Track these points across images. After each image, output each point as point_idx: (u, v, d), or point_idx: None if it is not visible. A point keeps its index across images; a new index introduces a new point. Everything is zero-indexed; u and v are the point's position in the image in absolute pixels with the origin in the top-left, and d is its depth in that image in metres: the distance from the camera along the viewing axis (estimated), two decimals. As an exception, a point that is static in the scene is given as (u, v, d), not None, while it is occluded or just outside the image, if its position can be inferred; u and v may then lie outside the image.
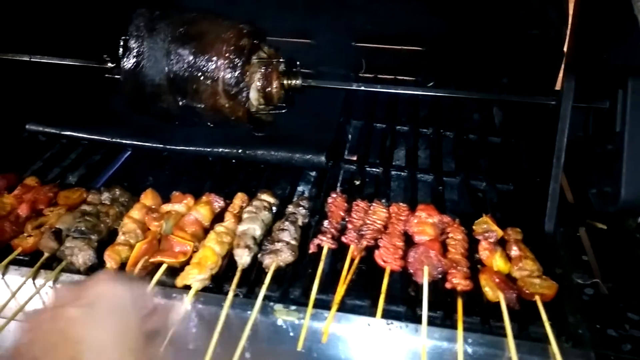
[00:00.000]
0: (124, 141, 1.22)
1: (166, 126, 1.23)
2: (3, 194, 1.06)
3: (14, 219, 0.99)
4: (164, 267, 0.87)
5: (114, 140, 1.23)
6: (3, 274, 0.89)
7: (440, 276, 0.87)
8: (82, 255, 0.90)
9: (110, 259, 0.89)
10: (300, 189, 1.18)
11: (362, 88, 1.17)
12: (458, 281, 0.84)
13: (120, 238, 0.94)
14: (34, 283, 0.88)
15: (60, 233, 0.94)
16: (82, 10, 1.47)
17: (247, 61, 1.07)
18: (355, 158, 1.24)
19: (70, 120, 1.28)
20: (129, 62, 1.08)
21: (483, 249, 0.91)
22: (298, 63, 1.15)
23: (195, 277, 0.84)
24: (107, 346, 0.49)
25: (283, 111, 1.15)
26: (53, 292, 0.55)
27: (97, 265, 0.91)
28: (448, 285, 0.85)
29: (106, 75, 1.16)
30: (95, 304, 0.52)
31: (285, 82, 1.14)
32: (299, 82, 1.15)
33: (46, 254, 0.92)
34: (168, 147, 1.20)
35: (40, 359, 0.47)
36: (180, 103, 1.09)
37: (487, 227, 0.95)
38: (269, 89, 1.12)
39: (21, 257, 0.93)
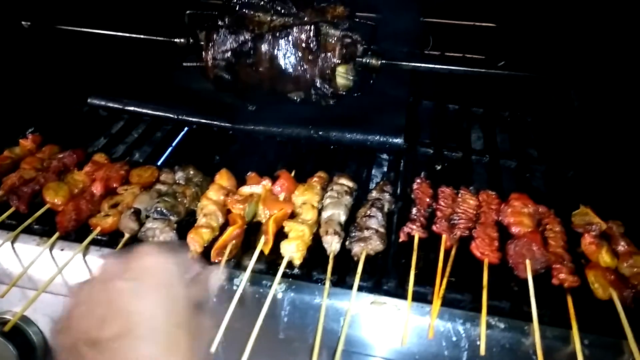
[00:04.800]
0: (190, 118, 1.18)
1: (231, 104, 1.19)
2: (74, 171, 1.03)
3: (89, 197, 0.96)
4: (256, 254, 0.83)
5: (180, 117, 1.18)
6: (84, 255, 0.87)
7: (542, 271, 0.82)
8: (164, 237, 0.87)
9: (194, 242, 0.86)
10: (373, 172, 1.12)
11: (445, 67, 1.10)
12: (565, 277, 0.79)
13: (202, 220, 0.90)
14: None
15: (139, 213, 0.91)
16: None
17: (326, 39, 1.03)
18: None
19: (133, 96, 1.24)
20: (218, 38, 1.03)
21: (587, 242, 0.85)
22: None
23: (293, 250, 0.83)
24: (155, 317, 0.49)
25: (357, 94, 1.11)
26: (101, 266, 0.54)
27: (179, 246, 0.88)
28: (555, 282, 0.79)
29: (178, 51, 1.10)
30: (143, 276, 0.52)
31: (362, 60, 1.08)
32: (376, 61, 1.09)
33: (127, 235, 0.89)
34: (237, 126, 1.15)
35: (92, 331, 0.47)
36: (265, 80, 1.04)
37: (588, 219, 0.89)
38: (346, 67, 1.07)
39: (100, 237, 0.90)
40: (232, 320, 0.73)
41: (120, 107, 1.22)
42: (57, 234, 0.89)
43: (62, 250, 0.88)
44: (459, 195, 0.96)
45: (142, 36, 1.20)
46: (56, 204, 0.94)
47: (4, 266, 0.90)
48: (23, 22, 1.23)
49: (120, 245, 0.87)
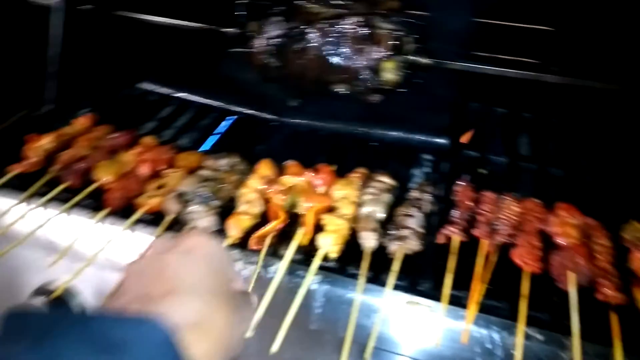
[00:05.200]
0: (237, 108, 1.20)
1: (276, 97, 1.21)
2: (124, 151, 1.07)
3: (137, 177, 0.99)
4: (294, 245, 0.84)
5: (227, 106, 1.21)
6: (129, 231, 0.90)
7: (586, 285, 0.79)
8: (205, 221, 0.89)
9: (233, 227, 0.88)
10: (414, 172, 1.11)
11: (497, 69, 1.07)
12: (610, 293, 0.76)
13: (242, 207, 0.92)
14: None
15: (183, 196, 0.93)
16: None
17: (376, 31, 1.02)
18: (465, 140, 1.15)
19: (183, 83, 1.27)
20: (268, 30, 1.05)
21: (637, 259, 0.81)
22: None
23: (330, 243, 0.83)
24: (204, 281, 0.51)
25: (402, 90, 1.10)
26: (152, 242, 0.56)
27: (219, 232, 0.90)
28: (599, 297, 0.77)
29: (227, 40, 1.13)
30: (193, 250, 0.54)
31: (411, 57, 1.07)
32: (424, 59, 1.08)
33: (170, 216, 0.92)
34: (282, 119, 1.17)
35: (142, 292, 0.50)
36: (311, 69, 1.05)
37: (639, 234, 0.85)
38: (394, 63, 1.06)
39: (144, 216, 0.94)
40: (268, 306, 0.75)
41: (170, 92, 1.26)
42: (105, 210, 0.93)
43: (109, 225, 0.92)
44: (503, 201, 0.93)
45: (193, 24, 1.23)
46: (106, 181, 0.98)
47: (54, 237, 0.95)
48: (84, 6, 1.29)
49: (163, 225, 0.90)
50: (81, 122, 1.16)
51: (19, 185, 0.99)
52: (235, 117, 1.25)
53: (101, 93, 1.33)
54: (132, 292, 0.50)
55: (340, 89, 1.10)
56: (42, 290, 0.97)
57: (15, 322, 0.42)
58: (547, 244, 0.86)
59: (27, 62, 1.28)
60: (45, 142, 1.06)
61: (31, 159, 1.03)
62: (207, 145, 1.21)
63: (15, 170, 1.01)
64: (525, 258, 0.82)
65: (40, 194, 0.97)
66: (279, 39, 1.07)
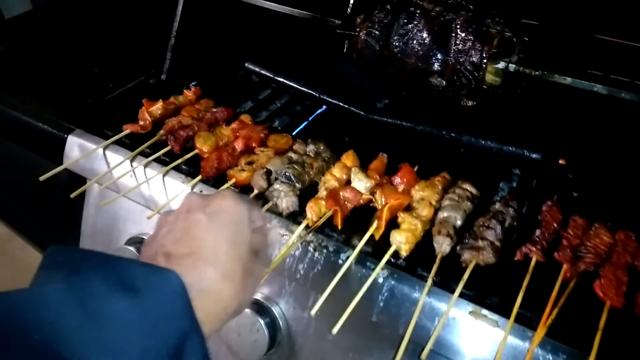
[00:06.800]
0: (329, 99, 1.24)
1: (368, 92, 1.22)
2: (222, 125, 1.16)
3: (231, 151, 1.06)
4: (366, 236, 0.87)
5: (321, 95, 1.25)
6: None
7: (673, 331, 0.74)
8: (286, 200, 0.94)
9: (312, 211, 0.92)
10: (500, 185, 1.08)
11: (605, 87, 1.01)
12: (701, 345, 0.70)
13: (323, 193, 0.96)
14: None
15: (270, 174, 0.99)
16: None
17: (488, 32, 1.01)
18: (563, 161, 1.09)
19: (283, 68, 1.33)
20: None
21: None
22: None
23: (402, 240, 0.85)
24: (222, 250, 0.55)
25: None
26: (185, 197, 0.62)
27: (297, 213, 0.95)
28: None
29: (337, 30, 1.16)
30: (220, 213, 0.58)
31: (515, 65, 1.04)
32: (529, 70, 1.04)
33: (256, 191, 0.98)
34: (370, 115, 1.18)
35: (168, 247, 0.55)
36: (411, 57, 1.06)
37: None
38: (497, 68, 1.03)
39: (233, 188, 1.01)
40: (333, 290, 0.78)
41: (271, 76, 1.33)
42: (199, 177, 1.01)
43: (201, 191, 1.00)
44: (592, 228, 0.89)
45: (301, 12, 1.27)
46: (203, 151, 1.06)
47: (153, 195, 1.05)
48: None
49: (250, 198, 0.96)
50: (188, 94, 1.26)
51: (130, 145, 1.10)
52: (325, 107, 1.28)
53: (208, 69, 1.43)
54: (159, 245, 0.56)
55: (437, 82, 1.08)
56: (136, 239, 1.09)
57: (55, 257, 0.48)
58: (635, 280, 0.80)
59: (151, 34, 1.41)
60: (155, 108, 1.17)
61: (142, 121, 1.15)
62: (298, 130, 1.26)
63: (128, 129, 1.13)
64: (608, 290, 0.77)
65: (145, 154, 1.07)
66: (384, 26, 1.08)
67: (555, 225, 0.89)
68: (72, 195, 0.96)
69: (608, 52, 1.30)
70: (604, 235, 0.87)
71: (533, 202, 0.97)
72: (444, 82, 1.08)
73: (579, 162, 1.09)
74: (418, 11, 1.06)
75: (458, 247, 0.86)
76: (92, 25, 1.70)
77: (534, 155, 1.04)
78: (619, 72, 1.32)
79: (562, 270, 0.81)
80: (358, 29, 1.13)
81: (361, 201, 0.95)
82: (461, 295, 0.79)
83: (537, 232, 0.87)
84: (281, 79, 1.31)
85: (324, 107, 1.30)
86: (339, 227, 0.90)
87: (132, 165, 1.06)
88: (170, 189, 1.03)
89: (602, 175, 1.05)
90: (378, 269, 0.82)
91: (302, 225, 0.90)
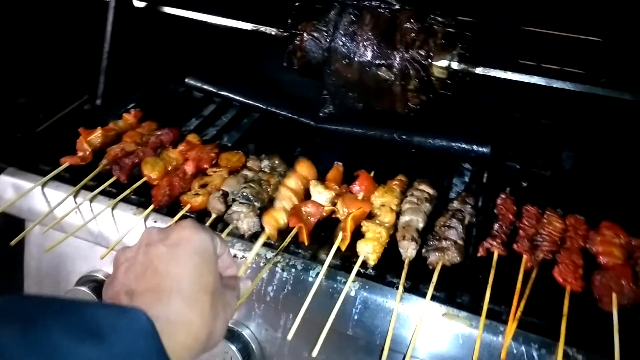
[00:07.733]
0: (277, 111, 1.22)
1: (316, 101, 1.21)
2: (169, 148, 1.11)
3: (182, 175, 1.02)
4: (333, 250, 0.86)
5: (268, 108, 1.22)
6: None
7: (629, 307, 0.78)
8: (247, 222, 0.92)
9: (269, 225, 0.90)
10: (454, 181, 1.11)
11: (544, 79, 1.05)
12: (655, 317, 0.75)
13: (278, 205, 0.94)
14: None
15: (227, 195, 0.96)
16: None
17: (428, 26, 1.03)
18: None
19: (226, 81, 1.29)
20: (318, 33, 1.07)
21: (684, 284, 0.80)
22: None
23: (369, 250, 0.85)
24: (187, 280, 0.54)
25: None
26: (143, 233, 0.59)
27: (259, 233, 0.92)
28: (643, 320, 0.75)
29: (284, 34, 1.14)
30: (181, 244, 0.56)
31: (458, 62, 1.06)
32: (471, 67, 1.07)
33: (214, 215, 0.94)
34: (321, 125, 1.17)
35: (130, 284, 0.54)
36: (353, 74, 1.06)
37: (687, 258, 0.83)
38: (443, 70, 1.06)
39: (189, 214, 0.97)
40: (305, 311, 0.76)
41: (215, 90, 1.28)
42: (151, 206, 0.96)
43: (155, 222, 0.95)
44: (545, 216, 0.93)
45: (240, 24, 1.24)
46: (152, 178, 1.01)
47: (102, 230, 0.99)
48: (136, 3, 1.32)
49: (207, 224, 0.92)
50: (128, 117, 1.19)
51: (71, 179, 1.03)
52: (276, 118, 1.26)
53: (147, 89, 1.36)
54: (120, 284, 0.54)
55: (387, 75, 1.08)
56: (88, 279, 1.02)
57: (8, 306, 0.44)
58: (590, 262, 0.85)
59: (81, 56, 1.32)
60: (95, 136, 1.10)
61: (81, 152, 1.08)
62: (248, 145, 1.23)
63: (67, 162, 1.05)
64: (566, 276, 0.81)
65: (89, 188, 1.01)
66: (328, 25, 1.07)
67: (511, 217, 0.93)
68: (12, 243, 0.88)
69: (541, 43, 1.37)
70: (556, 222, 0.91)
71: (487, 195, 1.00)
72: (393, 76, 1.08)
73: (524, 152, 1.13)
74: (363, 10, 1.06)
75: (423, 250, 0.87)
76: (14, 50, 1.57)
77: (483, 149, 1.07)
78: (550, 62, 1.40)
79: (522, 261, 0.84)
80: (301, 32, 1.12)
81: (324, 213, 0.94)
82: (433, 298, 0.80)
83: (496, 226, 0.90)
84: (225, 93, 1.27)
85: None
86: (306, 244, 0.89)
87: (76, 202, 0.99)
88: (120, 223, 0.97)
89: (547, 163, 1.10)
90: (349, 283, 0.81)
91: (261, 240, 0.87)
